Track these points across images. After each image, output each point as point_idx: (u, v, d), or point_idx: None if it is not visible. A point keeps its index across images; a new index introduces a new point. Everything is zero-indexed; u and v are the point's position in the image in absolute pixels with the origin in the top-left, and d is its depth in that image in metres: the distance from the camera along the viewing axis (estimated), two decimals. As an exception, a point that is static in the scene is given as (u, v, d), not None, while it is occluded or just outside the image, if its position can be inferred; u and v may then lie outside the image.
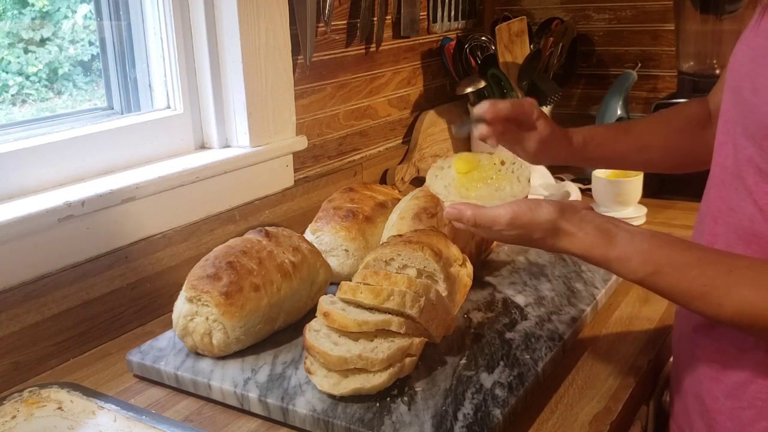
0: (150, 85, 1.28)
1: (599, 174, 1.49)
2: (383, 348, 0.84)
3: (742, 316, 0.69)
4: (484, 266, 1.21)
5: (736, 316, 0.70)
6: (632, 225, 0.78)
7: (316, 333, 0.87)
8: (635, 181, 1.46)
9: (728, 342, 0.79)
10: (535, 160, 1.00)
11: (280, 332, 1.01)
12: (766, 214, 0.73)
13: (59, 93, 1.20)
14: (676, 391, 0.91)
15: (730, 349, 0.79)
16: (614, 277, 1.15)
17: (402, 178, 1.66)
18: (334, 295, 0.92)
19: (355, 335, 0.86)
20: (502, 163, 0.89)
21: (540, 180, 1.64)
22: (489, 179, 0.87)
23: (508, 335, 0.98)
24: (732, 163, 0.78)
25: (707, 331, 0.82)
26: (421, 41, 1.76)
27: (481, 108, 0.92)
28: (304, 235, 1.16)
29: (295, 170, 1.41)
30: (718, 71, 1.62)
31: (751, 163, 0.74)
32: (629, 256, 0.74)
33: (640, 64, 1.84)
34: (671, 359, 0.97)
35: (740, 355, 0.78)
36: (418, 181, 1.69)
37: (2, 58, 1.11)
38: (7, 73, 1.12)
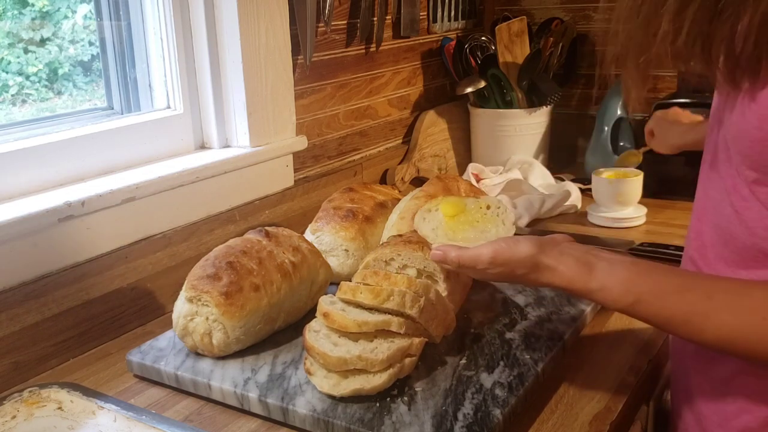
0: (150, 85, 1.28)
1: (599, 174, 1.49)
2: (383, 348, 0.84)
3: (724, 341, 0.70)
4: (484, 266, 1.20)
5: (718, 341, 0.71)
6: (613, 254, 0.79)
7: (315, 334, 0.87)
8: (635, 181, 1.46)
9: None
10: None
11: (280, 332, 1.01)
12: (740, 216, 0.74)
13: (59, 93, 1.20)
14: (672, 385, 0.92)
15: None
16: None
17: (402, 178, 1.66)
18: (334, 295, 0.92)
19: (354, 336, 0.86)
20: (488, 207, 0.93)
21: (540, 180, 1.65)
22: (475, 222, 0.91)
23: (508, 335, 0.98)
24: (716, 162, 0.78)
25: None
26: (421, 41, 1.76)
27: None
28: (304, 235, 1.16)
29: (295, 170, 1.41)
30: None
31: (731, 164, 0.75)
32: (610, 287, 0.75)
33: (640, 64, 1.84)
34: (671, 358, 0.98)
35: None
36: (418, 181, 1.69)
37: (2, 58, 1.11)
38: (7, 73, 1.12)
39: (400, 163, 1.70)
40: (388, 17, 1.63)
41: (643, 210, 1.49)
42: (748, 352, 0.70)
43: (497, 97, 1.74)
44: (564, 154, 1.91)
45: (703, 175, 0.83)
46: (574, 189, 1.58)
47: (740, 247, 0.74)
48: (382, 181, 1.66)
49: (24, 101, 1.15)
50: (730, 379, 0.78)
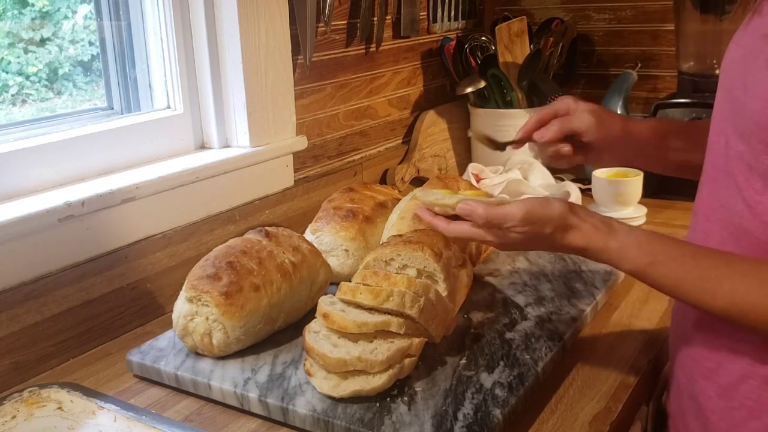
0: (150, 85, 1.28)
1: (599, 174, 1.49)
2: (383, 349, 0.84)
3: (734, 307, 0.71)
4: (484, 266, 1.21)
5: (729, 307, 0.72)
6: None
7: (315, 335, 0.87)
8: (635, 181, 1.46)
9: (722, 342, 0.79)
10: (597, 159, 1.02)
11: (280, 332, 1.01)
12: (754, 210, 0.74)
13: (59, 93, 1.20)
14: (672, 390, 0.92)
15: (723, 349, 0.79)
16: (614, 277, 1.15)
17: (402, 178, 1.66)
18: (334, 295, 0.92)
19: (354, 336, 0.86)
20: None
21: (540, 180, 1.64)
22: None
23: (508, 335, 0.98)
24: (723, 161, 0.79)
25: (702, 331, 0.82)
26: (421, 41, 1.76)
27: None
28: (304, 235, 1.16)
29: (295, 170, 1.41)
30: (718, 71, 1.62)
31: (742, 160, 0.75)
32: (628, 245, 0.77)
33: (640, 64, 1.84)
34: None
35: (733, 356, 0.78)
36: (418, 181, 1.69)
37: (2, 58, 1.11)
38: (7, 73, 1.12)
39: (400, 163, 1.70)
40: (388, 17, 1.63)
41: (643, 210, 1.49)
42: (755, 323, 0.71)
43: (497, 97, 1.74)
44: (564, 154, 1.91)
45: (708, 175, 0.83)
46: (574, 189, 1.58)
47: (754, 243, 0.75)
48: (382, 181, 1.66)
49: (24, 101, 1.15)
50: (738, 385, 0.78)
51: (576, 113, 1.00)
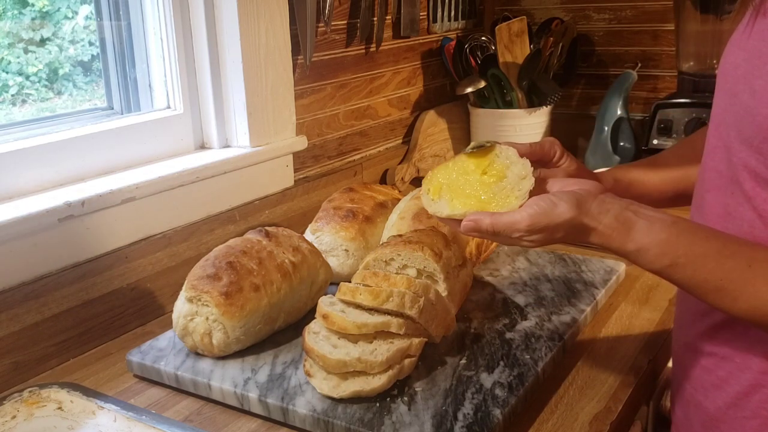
0: (150, 85, 1.28)
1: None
2: (382, 350, 0.84)
3: (757, 311, 0.69)
4: (484, 266, 1.21)
5: (751, 311, 0.69)
6: (654, 211, 0.74)
7: (315, 335, 0.87)
8: (635, 181, 1.46)
9: (732, 350, 0.78)
10: None
11: (280, 332, 1.01)
12: (765, 220, 0.72)
13: (59, 93, 1.20)
14: (676, 399, 0.90)
15: (734, 358, 0.78)
16: (614, 277, 1.15)
17: (402, 178, 1.66)
18: (334, 295, 0.92)
19: (354, 337, 0.86)
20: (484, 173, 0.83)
21: (540, 180, 1.64)
22: (485, 179, 0.81)
23: (508, 335, 0.98)
24: (726, 168, 0.77)
25: (710, 340, 0.81)
26: (421, 41, 1.76)
27: None
28: (304, 235, 1.16)
29: (295, 170, 1.41)
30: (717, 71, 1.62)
31: (747, 168, 0.73)
32: (646, 248, 0.72)
33: (640, 64, 1.84)
34: (670, 362, 0.96)
35: (744, 365, 0.77)
36: (418, 181, 1.69)
37: (2, 58, 1.11)
38: (7, 73, 1.12)
39: (400, 163, 1.70)
40: (388, 17, 1.63)
41: (643, 210, 1.48)
42: None
43: (497, 97, 1.74)
44: (564, 154, 1.91)
45: (710, 181, 0.81)
46: (574, 189, 1.57)
47: None
48: (382, 181, 1.66)
49: (24, 101, 1.15)
50: (750, 394, 0.76)
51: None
